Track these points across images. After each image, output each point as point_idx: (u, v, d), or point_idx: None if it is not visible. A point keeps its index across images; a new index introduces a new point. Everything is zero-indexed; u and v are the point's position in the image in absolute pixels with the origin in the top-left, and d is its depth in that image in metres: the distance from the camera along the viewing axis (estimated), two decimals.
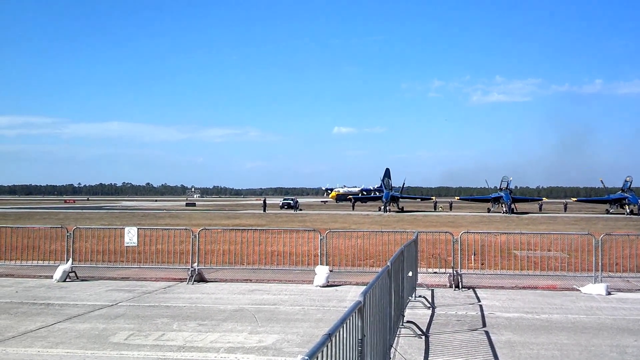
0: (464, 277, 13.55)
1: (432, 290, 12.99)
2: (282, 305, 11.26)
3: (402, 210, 77.23)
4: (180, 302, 11.58)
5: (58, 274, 14.21)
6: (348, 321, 4.22)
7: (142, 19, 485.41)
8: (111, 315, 10.38)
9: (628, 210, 69.46)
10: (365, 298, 4.81)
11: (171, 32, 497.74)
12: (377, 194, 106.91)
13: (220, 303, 11.50)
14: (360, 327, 4.58)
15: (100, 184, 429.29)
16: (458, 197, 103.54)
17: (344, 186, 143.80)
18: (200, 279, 14.18)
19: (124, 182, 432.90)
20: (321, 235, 14.52)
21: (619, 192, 75.20)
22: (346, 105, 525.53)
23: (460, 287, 13.24)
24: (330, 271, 13.92)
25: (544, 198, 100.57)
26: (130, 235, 15.02)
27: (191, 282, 13.88)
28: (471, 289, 13.17)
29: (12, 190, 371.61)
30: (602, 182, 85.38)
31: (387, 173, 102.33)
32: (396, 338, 8.22)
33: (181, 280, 14.16)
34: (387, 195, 76.98)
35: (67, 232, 15.29)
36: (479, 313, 10.63)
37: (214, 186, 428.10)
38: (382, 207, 74.93)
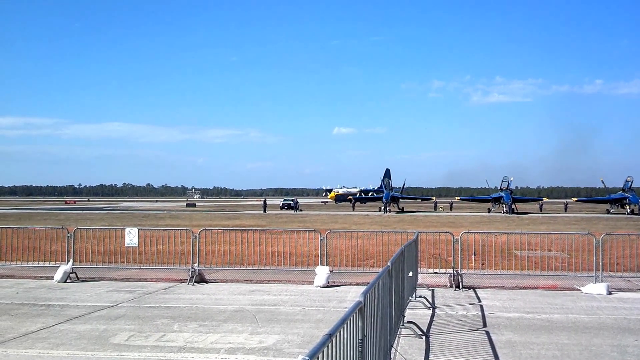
0: (464, 277, 13.55)
1: (433, 291, 12.99)
2: (282, 306, 11.26)
3: (402, 211, 77.21)
4: (181, 303, 11.58)
5: (59, 274, 14.22)
6: (348, 321, 4.22)
7: (142, 19, 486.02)
8: (112, 316, 10.38)
9: (629, 210, 69.43)
10: (366, 298, 4.81)
11: (171, 32, 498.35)
12: (376, 194, 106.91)
13: (221, 304, 11.50)
14: (360, 328, 4.58)
15: (101, 184, 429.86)
16: (458, 198, 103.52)
17: (343, 187, 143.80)
18: (201, 279, 14.18)
19: (124, 183, 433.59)
20: (321, 235, 14.52)
21: (620, 192, 75.19)
22: (346, 105, 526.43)
23: (460, 287, 13.24)
24: (331, 271, 13.92)
25: (544, 198, 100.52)
26: (131, 236, 15.02)
27: (192, 283, 13.88)
28: (472, 289, 13.17)
29: (13, 190, 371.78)
30: (603, 182, 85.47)
31: (387, 173, 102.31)
32: (397, 338, 8.22)
33: (182, 281, 14.16)
34: (388, 196, 76.99)
35: (68, 233, 15.29)
36: (480, 313, 10.63)
37: (214, 187, 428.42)
38: (383, 208, 74.95)
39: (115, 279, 14.59)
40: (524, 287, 13.37)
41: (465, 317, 10.30)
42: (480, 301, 11.83)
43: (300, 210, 76.38)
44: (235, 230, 20.90)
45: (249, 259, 15.99)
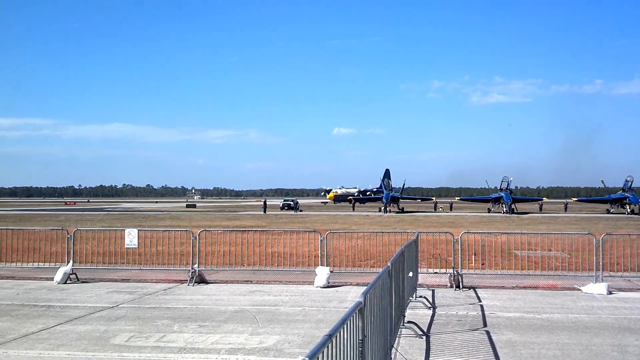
0: (464, 277, 13.56)
1: (433, 291, 12.99)
2: (282, 306, 11.26)
3: (402, 211, 77.21)
4: (181, 304, 11.58)
5: (59, 275, 14.22)
6: (348, 322, 4.22)
7: (142, 20, 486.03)
8: (112, 317, 10.38)
9: (629, 210, 69.43)
10: (366, 299, 4.81)
11: (171, 33, 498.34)
12: (374, 194, 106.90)
13: (221, 304, 11.50)
14: (360, 328, 4.59)
15: (101, 185, 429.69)
16: (458, 198, 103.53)
17: (342, 187, 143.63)
18: (201, 280, 14.18)
19: (124, 184, 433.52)
20: (321, 236, 14.53)
21: (620, 192, 75.17)
22: (346, 106, 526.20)
23: (460, 287, 13.24)
24: (331, 272, 13.92)
25: (544, 198, 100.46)
26: (131, 237, 15.02)
27: (192, 284, 13.88)
28: (472, 289, 13.17)
29: (13, 192, 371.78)
30: (603, 182, 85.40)
31: (387, 174, 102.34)
32: (397, 338, 8.22)
33: (182, 281, 14.16)
34: (387, 196, 77.02)
35: (68, 234, 15.29)
36: (480, 313, 10.63)
37: (214, 187, 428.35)
38: (383, 208, 74.97)
39: (116, 280, 14.59)
40: (524, 287, 13.37)
41: (466, 317, 10.30)
42: (480, 301, 11.83)
43: (301, 211, 76.38)
44: (236, 230, 20.90)
45: (249, 260, 15.99)
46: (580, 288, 13.01)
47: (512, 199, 72.46)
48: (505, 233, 18.47)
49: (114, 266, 15.52)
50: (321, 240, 14.40)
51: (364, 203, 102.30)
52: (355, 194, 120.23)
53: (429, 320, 10.00)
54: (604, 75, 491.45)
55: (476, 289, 13.16)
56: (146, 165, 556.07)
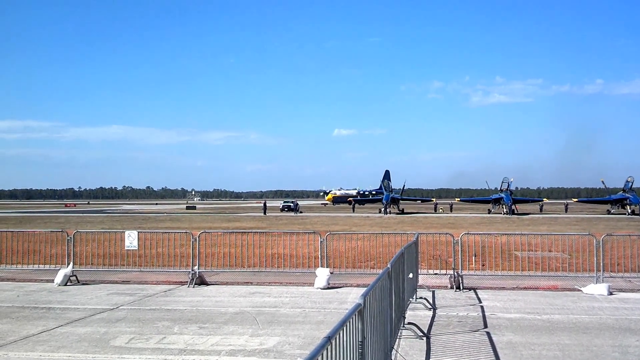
0: (464, 278, 13.55)
1: (433, 292, 12.98)
2: (283, 308, 11.26)
3: (402, 212, 77.20)
4: (181, 305, 11.57)
5: (59, 277, 14.21)
6: (348, 324, 4.21)
7: (140, 23, 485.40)
8: (112, 318, 10.37)
9: (629, 211, 69.35)
10: (365, 300, 4.80)
11: (170, 35, 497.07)
12: (372, 195, 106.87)
13: (221, 306, 11.50)
14: (360, 330, 4.58)
15: (101, 187, 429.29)
16: (458, 199, 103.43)
17: (341, 188, 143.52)
18: (201, 282, 14.18)
19: (124, 186, 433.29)
20: (321, 237, 14.53)
21: (620, 192, 75.12)
22: (346, 107, 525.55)
23: (461, 288, 13.23)
24: (331, 273, 13.92)
25: (544, 199, 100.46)
26: (131, 239, 15.02)
27: (192, 285, 13.87)
28: (472, 290, 13.16)
29: (13, 194, 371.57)
30: (603, 183, 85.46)
31: (387, 175, 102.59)
32: (397, 340, 8.21)
33: (182, 283, 14.16)
34: (388, 197, 77.03)
35: (68, 236, 15.29)
36: (480, 314, 10.62)
37: (214, 189, 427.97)
38: (383, 209, 74.97)
39: (116, 282, 14.59)
40: (525, 288, 13.36)
41: (466, 318, 10.29)
42: (480, 302, 11.82)
43: (301, 212, 76.36)
44: (236, 232, 20.90)
45: (249, 261, 15.99)
46: (580, 289, 13.00)
47: (513, 199, 72.40)
48: (506, 234, 18.46)
49: (114, 268, 15.53)
50: (321, 241, 14.40)
51: (364, 204, 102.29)
52: (355, 196, 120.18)
53: (430, 321, 9.99)
54: (604, 75, 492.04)
55: (476, 290, 13.15)
56: (146, 167, 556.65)
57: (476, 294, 12.72)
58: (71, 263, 14.74)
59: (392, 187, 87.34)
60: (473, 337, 8.96)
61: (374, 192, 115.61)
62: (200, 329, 9.51)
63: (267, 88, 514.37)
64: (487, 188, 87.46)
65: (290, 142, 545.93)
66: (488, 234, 19.83)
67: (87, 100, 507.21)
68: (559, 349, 8.22)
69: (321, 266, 14.07)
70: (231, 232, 22.35)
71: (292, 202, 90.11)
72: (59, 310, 11.12)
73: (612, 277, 13.67)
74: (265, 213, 70.59)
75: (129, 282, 14.52)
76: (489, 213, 73.73)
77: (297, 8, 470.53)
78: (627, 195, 71.96)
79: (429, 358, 7.80)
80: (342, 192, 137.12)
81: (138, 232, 15.27)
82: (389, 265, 7.02)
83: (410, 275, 10.42)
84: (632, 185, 72.86)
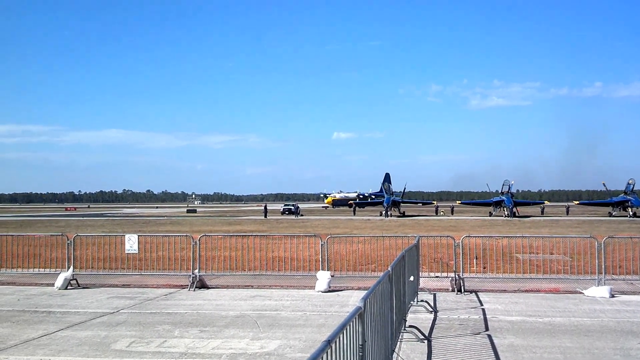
0: (466, 281, 13.52)
1: (434, 295, 12.95)
2: (284, 311, 11.23)
3: (403, 215, 77.17)
4: (182, 309, 11.55)
5: (59, 281, 14.20)
6: (348, 327, 4.19)
7: (139, 27, 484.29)
8: (113, 322, 10.36)
9: (631, 213, 69.29)
10: (366, 303, 4.79)
11: (169, 39, 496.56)
12: (372, 198, 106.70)
13: (222, 309, 11.48)
14: (360, 333, 4.56)
15: (101, 191, 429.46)
16: (459, 202, 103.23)
17: (340, 191, 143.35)
18: (202, 285, 14.16)
19: (124, 189, 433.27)
20: (322, 240, 14.51)
21: (622, 194, 75.01)
22: (345, 110, 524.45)
23: (462, 291, 13.21)
24: (332, 276, 13.89)
25: (545, 201, 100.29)
26: (131, 243, 15.01)
27: (192, 289, 13.85)
28: (473, 293, 13.13)
29: (13, 198, 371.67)
30: (605, 185, 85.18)
31: (387, 178, 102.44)
32: (398, 343, 8.19)
33: (182, 286, 14.14)
34: (388, 200, 76.99)
35: (68, 239, 15.28)
36: (482, 317, 10.60)
37: (215, 192, 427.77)
38: (384, 212, 74.93)
39: (116, 286, 14.57)
40: (526, 291, 13.34)
41: (467, 321, 10.26)
42: (482, 305, 11.80)
43: (301, 215, 76.34)
44: (236, 235, 20.87)
45: (250, 265, 15.97)
46: (582, 291, 12.97)
47: (514, 202, 72.38)
48: (507, 236, 18.41)
49: (115, 272, 15.51)
50: (322, 244, 14.38)
51: (363, 207, 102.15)
52: (355, 199, 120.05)
53: (431, 324, 9.97)
54: (603, 78, 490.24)
55: (478, 293, 13.13)
56: (146, 171, 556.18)
57: (477, 297, 12.70)
58: (71, 267, 14.72)
59: (393, 190, 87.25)
60: (474, 340, 8.93)
61: (373, 195, 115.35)
62: (201, 332, 9.49)
63: (267, 91, 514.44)
64: (488, 191, 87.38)
65: (290, 146, 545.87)
66: (489, 236, 19.80)
67: (86, 105, 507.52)
68: (560, 351, 8.19)
69: (322, 269, 14.05)
70: (232, 235, 22.33)
71: (293, 205, 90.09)
72: (60, 314, 11.10)
73: (613, 279, 13.64)
74: (265, 216, 70.60)
75: (130, 286, 14.51)
76: (490, 216, 73.68)
77: (297, 12, 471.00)
78: (628, 197, 71.87)
79: None
80: (342, 195, 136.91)
81: (138, 235, 15.26)
82: (389, 269, 7.01)
83: (411, 278, 10.40)
84: (633, 188, 72.75)
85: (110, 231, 38.37)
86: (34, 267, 16.11)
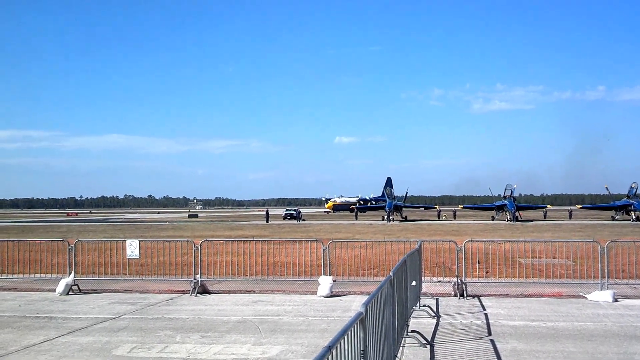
0: (468, 285, 13.47)
1: (437, 299, 12.90)
2: (285, 316, 11.20)
3: (405, 220, 77.10)
4: (183, 314, 11.52)
5: (61, 287, 14.18)
6: (349, 332, 4.16)
7: (140, 32, 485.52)
8: (114, 328, 10.33)
9: (634, 217, 69.04)
10: (367, 309, 4.76)
11: (170, 44, 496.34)
12: (374, 203, 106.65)
13: (224, 314, 11.45)
14: (362, 339, 4.53)
15: (102, 196, 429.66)
16: (462, 206, 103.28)
17: (341, 196, 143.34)
18: (203, 290, 14.13)
19: (125, 195, 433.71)
20: (324, 245, 14.48)
21: (625, 198, 74.93)
22: (347, 114, 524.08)
23: (465, 295, 13.16)
24: (334, 281, 13.85)
25: (548, 205, 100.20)
26: (132, 248, 14.99)
27: (194, 294, 13.83)
28: (476, 298, 13.08)
29: (15, 203, 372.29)
30: (607, 189, 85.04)
31: (389, 182, 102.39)
32: (401, 348, 8.16)
33: (184, 292, 14.12)
34: (390, 205, 76.91)
35: (69, 245, 15.27)
36: (484, 321, 10.55)
37: (216, 197, 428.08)
38: (386, 217, 74.87)
39: (118, 291, 14.55)
40: (529, 295, 13.28)
41: (470, 326, 10.22)
42: (484, 309, 11.75)
43: (303, 220, 76.31)
44: (238, 240, 20.86)
45: (251, 270, 15.94)
46: (585, 296, 12.92)
47: (516, 206, 72.28)
48: (510, 241, 18.38)
49: (116, 277, 15.50)
50: (324, 249, 14.35)
51: (364, 212, 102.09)
52: (356, 203, 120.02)
53: (433, 329, 9.93)
54: (606, 82, 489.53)
55: (480, 298, 13.08)
56: (147, 176, 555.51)
57: (480, 302, 12.65)
58: (73, 272, 14.71)
59: (395, 195, 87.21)
60: (477, 344, 8.89)
61: (373, 201, 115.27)
62: (203, 337, 9.46)
63: (268, 96, 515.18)
64: (491, 195, 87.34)
65: (291, 150, 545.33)
66: (492, 241, 19.78)
67: (87, 110, 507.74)
68: (563, 356, 8.15)
69: (324, 274, 14.01)
70: (233, 240, 22.32)
71: (295, 210, 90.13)
72: (61, 320, 11.08)
73: (616, 283, 13.58)
74: (267, 221, 70.58)
75: (131, 291, 14.48)
76: (492, 220, 73.57)
77: (298, 16, 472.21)
78: (631, 201, 71.70)
79: None
80: (343, 199, 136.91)
81: (139, 240, 15.24)
82: (391, 273, 6.98)
83: (414, 283, 10.36)
84: (636, 192, 72.64)
85: (112, 236, 38.39)
86: (35, 273, 16.10)
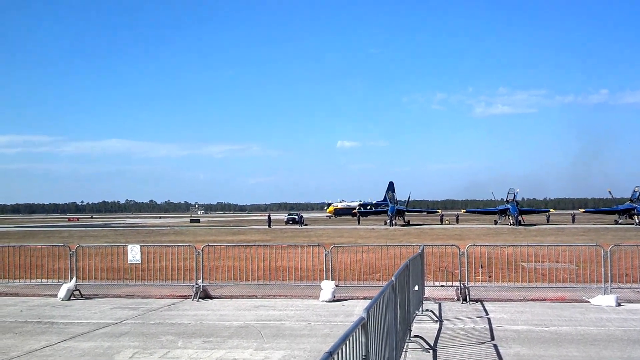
0: (471, 290, 13.42)
1: (440, 304, 12.86)
2: (288, 321, 11.16)
3: (408, 224, 77.01)
4: (185, 319, 11.50)
5: (62, 292, 14.18)
6: (351, 338, 4.13)
7: (140, 36, 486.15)
8: (116, 333, 10.31)
9: (637, 221, 68.88)
10: (369, 314, 4.73)
11: (170, 48, 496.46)
12: (374, 208, 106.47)
13: (226, 319, 11.42)
14: (364, 344, 4.49)
15: (104, 201, 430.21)
16: (464, 210, 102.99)
17: (342, 200, 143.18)
18: (205, 295, 14.10)
19: (127, 200, 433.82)
20: (326, 250, 14.45)
21: (628, 202, 74.70)
22: (349, 119, 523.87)
23: (467, 300, 13.11)
24: (337, 286, 13.82)
25: (551, 209, 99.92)
26: (134, 253, 14.97)
27: (196, 299, 13.80)
28: (479, 302, 13.03)
29: (16, 209, 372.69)
30: (611, 193, 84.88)
31: (391, 186, 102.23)
32: (403, 353, 8.12)
33: (186, 297, 14.09)
34: (393, 209, 76.86)
35: (70, 250, 15.27)
36: (487, 326, 10.50)
37: (218, 202, 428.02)
38: (388, 221, 74.78)
39: (119, 296, 14.53)
40: (532, 300, 13.23)
41: (473, 331, 10.17)
42: (487, 314, 11.70)
43: (305, 225, 76.26)
44: (240, 245, 20.83)
45: (253, 274, 15.91)
46: (588, 300, 12.86)
47: (519, 210, 72.14)
48: (512, 245, 18.30)
49: (118, 282, 15.48)
50: (326, 254, 14.32)
51: (366, 216, 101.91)
52: (357, 208, 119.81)
53: (436, 334, 9.88)
54: (609, 85, 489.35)
55: (483, 302, 13.03)
56: (149, 181, 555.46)
57: (483, 306, 12.60)
58: (74, 277, 14.70)
59: (397, 199, 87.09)
60: (480, 349, 8.84)
61: (374, 204, 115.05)
62: (205, 343, 9.43)
63: (270, 100, 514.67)
64: (493, 199, 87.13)
65: (293, 155, 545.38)
66: (494, 245, 19.70)
67: (88, 114, 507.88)
68: None
69: (326, 279, 13.98)
70: (235, 245, 22.29)
71: (297, 214, 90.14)
72: (62, 325, 11.06)
73: (620, 288, 13.52)
74: (269, 226, 70.57)
75: (133, 296, 14.46)
76: (495, 224, 73.48)
77: (299, 20, 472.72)
78: (634, 205, 71.51)
79: None
80: (344, 204, 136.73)
81: (141, 245, 15.23)
82: (393, 278, 6.95)
83: (416, 288, 10.32)
84: (639, 195, 72.45)
85: (113, 241, 38.38)
86: (36, 278, 16.09)
